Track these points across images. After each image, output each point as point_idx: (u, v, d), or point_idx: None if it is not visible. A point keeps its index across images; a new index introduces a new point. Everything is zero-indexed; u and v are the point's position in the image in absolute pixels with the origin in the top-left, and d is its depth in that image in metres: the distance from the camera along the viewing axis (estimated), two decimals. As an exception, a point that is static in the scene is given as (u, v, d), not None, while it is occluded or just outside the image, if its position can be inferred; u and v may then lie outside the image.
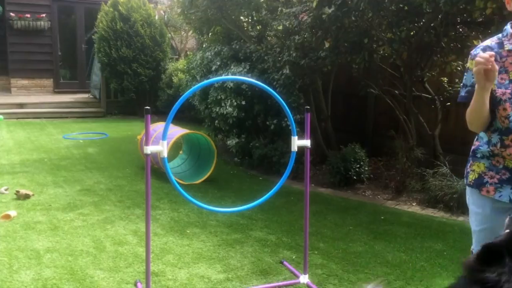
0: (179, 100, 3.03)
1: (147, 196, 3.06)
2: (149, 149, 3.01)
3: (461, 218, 5.14)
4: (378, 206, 5.71)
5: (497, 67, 2.13)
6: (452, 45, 5.78)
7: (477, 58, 2.10)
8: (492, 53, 2.12)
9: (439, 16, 5.23)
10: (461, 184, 5.40)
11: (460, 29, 5.91)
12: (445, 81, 6.44)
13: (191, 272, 3.62)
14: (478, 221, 2.37)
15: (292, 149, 3.46)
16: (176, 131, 6.31)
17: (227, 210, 3.85)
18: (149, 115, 3.02)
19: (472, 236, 2.44)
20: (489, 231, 2.31)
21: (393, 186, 6.28)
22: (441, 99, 6.39)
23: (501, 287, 1.55)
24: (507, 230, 1.89)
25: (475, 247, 2.42)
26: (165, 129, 3.07)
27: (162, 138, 3.04)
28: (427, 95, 6.49)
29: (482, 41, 2.49)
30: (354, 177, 6.42)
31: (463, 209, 5.26)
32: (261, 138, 7.21)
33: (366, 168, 6.54)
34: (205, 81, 3.52)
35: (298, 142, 3.45)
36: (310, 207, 5.43)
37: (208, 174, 6.35)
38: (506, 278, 1.56)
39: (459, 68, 5.97)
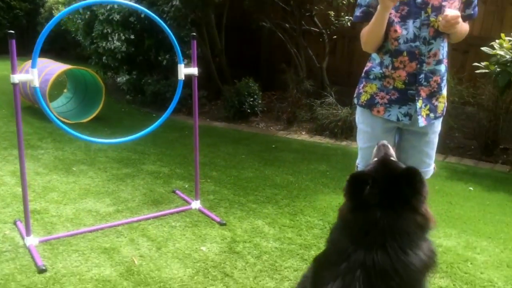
0: (51, 21, 2.73)
1: (18, 129, 2.81)
2: (17, 77, 2.72)
3: (344, 143, 5.52)
4: (270, 136, 5.91)
5: None
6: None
7: None
8: None
9: None
10: (345, 112, 5.76)
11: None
12: (332, 14, 6.63)
13: (77, 208, 3.48)
14: (366, 139, 2.51)
15: (179, 78, 3.37)
16: (58, 67, 5.84)
17: (111, 141, 3.67)
18: (13, 40, 2.71)
19: (359, 153, 2.59)
20: (373, 148, 2.49)
21: (285, 117, 6.51)
22: (328, 32, 6.60)
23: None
24: (375, 159, 1.97)
25: (360, 163, 2.59)
26: (34, 55, 2.78)
27: (31, 66, 2.77)
28: (315, 29, 6.66)
29: None
30: (248, 111, 6.53)
31: (346, 134, 5.66)
32: (153, 74, 6.96)
33: (260, 102, 6.67)
34: (85, 1, 3.18)
35: (185, 70, 3.37)
36: (205, 140, 5.48)
37: (97, 112, 6.03)
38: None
39: (345, 2, 6.16)
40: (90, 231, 3.11)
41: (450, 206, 3.81)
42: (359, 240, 1.62)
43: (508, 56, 4.38)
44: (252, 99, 6.52)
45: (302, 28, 6.60)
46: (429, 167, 2.56)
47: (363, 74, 2.55)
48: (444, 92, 2.48)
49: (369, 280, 1.54)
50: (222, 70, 7.47)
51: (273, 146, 5.39)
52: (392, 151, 1.99)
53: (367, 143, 2.49)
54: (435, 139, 2.53)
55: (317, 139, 5.79)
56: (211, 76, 7.37)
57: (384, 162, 1.86)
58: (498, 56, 4.48)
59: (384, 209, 1.62)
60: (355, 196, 1.66)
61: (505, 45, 4.44)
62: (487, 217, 3.62)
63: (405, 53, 2.31)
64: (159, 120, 3.37)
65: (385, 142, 2.05)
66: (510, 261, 2.92)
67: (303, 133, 6.10)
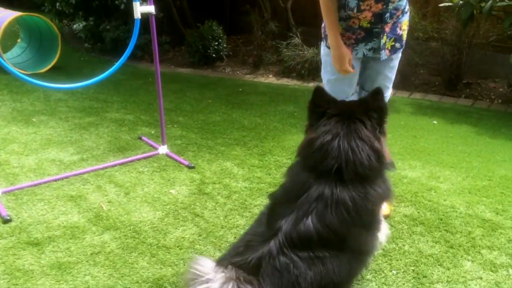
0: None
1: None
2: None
3: (311, 84, 5.48)
4: (237, 80, 5.81)
5: None
6: None
7: None
8: None
9: None
10: (311, 52, 5.68)
11: None
12: (296, -49, 6.39)
13: (40, 158, 3.38)
14: (334, 71, 2.48)
15: (135, 16, 3.19)
16: (8, 14, 5.47)
17: (69, 86, 3.51)
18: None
19: (326, 86, 2.57)
20: (341, 80, 2.49)
21: (251, 61, 6.39)
22: (292, -31, 6.39)
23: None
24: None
25: None
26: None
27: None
28: (278, -33, 6.42)
29: None
30: (214, 55, 6.37)
31: (313, 75, 5.62)
32: (112, 20, 6.64)
33: (225, 46, 6.49)
34: None
35: (140, 9, 3.19)
36: (170, 86, 5.34)
37: (54, 61, 5.74)
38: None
39: None
40: (55, 180, 3.03)
41: (415, 139, 3.89)
42: (318, 171, 1.65)
43: (471, -12, 4.36)
44: (216, 43, 6.34)
45: (265, -34, 6.36)
46: (388, 91, 2.62)
47: None
48: (406, 18, 2.49)
49: (324, 210, 1.59)
50: (184, 14, 7.19)
51: (240, 89, 5.32)
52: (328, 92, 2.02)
53: (335, 75, 2.49)
54: (397, 64, 2.59)
55: (284, 81, 5.74)
56: (173, 20, 7.10)
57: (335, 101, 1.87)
58: (462, -11, 4.46)
59: (343, 137, 1.65)
60: (318, 106, 1.73)
61: (468, -23, 4.40)
62: (450, 148, 3.72)
63: None
64: (118, 62, 3.22)
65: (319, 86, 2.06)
66: (472, 187, 3.03)
67: (270, 75, 6.02)
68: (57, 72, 5.67)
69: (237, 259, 1.55)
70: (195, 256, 2.05)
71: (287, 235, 1.55)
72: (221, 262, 1.56)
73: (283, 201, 1.70)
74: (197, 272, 1.48)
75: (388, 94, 2.62)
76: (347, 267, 1.60)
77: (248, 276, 1.48)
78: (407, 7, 2.48)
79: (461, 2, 4.51)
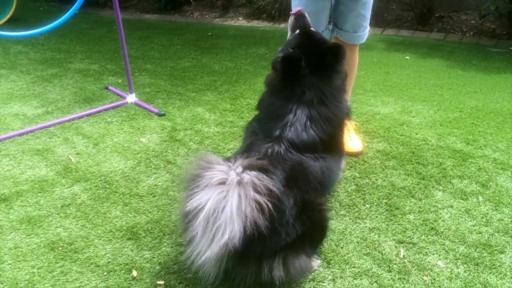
0: None
1: None
2: None
3: (282, 25, 5.34)
4: (206, 24, 5.61)
5: None
6: None
7: None
8: None
9: None
10: (281, -9, 5.49)
11: None
12: None
13: (2, 113, 3.23)
14: (309, 3, 2.38)
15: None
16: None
17: (22, 34, 3.26)
18: None
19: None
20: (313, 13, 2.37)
21: (220, 4, 6.16)
22: None
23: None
24: (296, 31, 2.08)
25: None
26: None
27: None
28: None
29: None
30: (180, -1, 6.11)
31: (284, 16, 5.45)
32: (69, -35, 6.24)
33: (191, -12, 6.23)
34: None
35: None
36: (136, 33, 5.12)
37: (11, 13, 5.41)
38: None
39: None
40: (19, 135, 2.92)
41: (388, 75, 3.86)
42: (298, 99, 1.84)
43: None
44: (182, -14, 6.06)
45: None
46: (365, 30, 2.53)
47: None
48: None
49: (317, 123, 1.82)
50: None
51: (209, 34, 5.14)
52: (309, 20, 2.12)
53: (310, 7, 2.36)
54: (371, 0, 2.46)
55: (255, 23, 5.57)
56: (135, -37, 6.72)
57: (307, 35, 2.02)
58: None
59: (314, 75, 1.87)
60: (288, 72, 1.85)
61: None
62: (422, 82, 3.70)
63: None
64: (75, 5, 2.98)
65: (302, 10, 2.15)
66: (443, 120, 3.05)
67: (240, 18, 5.83)
68: (15, 24, 5.35)
69: (243, 156, 1.61)
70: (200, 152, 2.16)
71: (290, 141, 1.76)
72: (228, 158, 1.64)
73: (268, 121, 1.88)
74: (206, 163, 1.52)
75: (364, 32, 2.53)
76: (337, 166, 1.93)
77: (260, 162, 1.59)
78: None
79: None
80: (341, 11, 2.48)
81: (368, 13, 2.49)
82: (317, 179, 1.75)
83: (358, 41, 2.57)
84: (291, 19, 2.17)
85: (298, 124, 1.80)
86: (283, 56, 1.85)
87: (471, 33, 5.02)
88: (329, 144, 1.84)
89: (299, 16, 2.12)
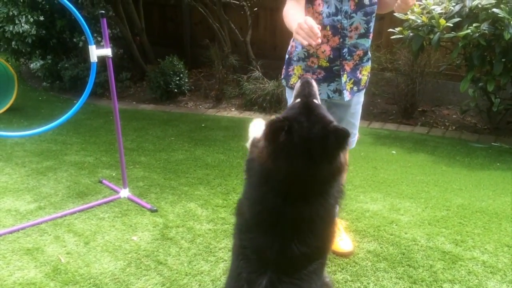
0: None
1: None
2: None
3: (273, 117, 5.54)
4: (200, 115, 5.82)
5: None
6: None
7: None
8: None
9: None
10: (272, 85, 5.77)
11: None
12: (252, -14, 6.55)
13: (-6, 208, 3.25)
14: None
15: (92, 60, 3.17)
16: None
17: (24, 134, 3.39)
18: None
19: None
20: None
21: (213, 95, 6.43)
22: (249, 4, 6.52)
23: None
24: (298, 99, 1.77)
25: None
26: None
27: None
28: (235, 1, 6.53)
29: None
30: (175, 90, 6.37)
31: (275, 108, 5.69)
32: (70, 57, 6.57)
33: (187, 80, 6.52)
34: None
35: (97, 52, 3.17)
36: (132, 124, 5.28)
37: (10, 103, 5.60)
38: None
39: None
40: (10, 232, 2.91)
41: (375, 171, 3.97)
42: (285, 194, 1.61)
43: (419, 21, 4.56)
44: (178, 78, 6.35)
45: (222, 1, 6.46)
46: (354, 137, 2.66)
47: (287, 56, 2.54)
48: (369, 65, 2.55)
49: (304, 232, 1.63)
50: (144, 49, 7.21)
51: (203, 125, 5.32)
52: (316, 90, 1.83)
53: None
54: (359, 109, 2.64)
55: (247, 114, 5.79)
56: (133, 56, 7.10)
57: (308, 108, 1.66)
58: (410, 21, 4.66)
59: (307, 160, 1.57)
60: (274, 141, 1.55)
61: (416, 9, 4.60)
62: (409, 178, 3.81)
63: (328, 27, 2.32)
64: (74, 107, 3.17)
65: (309, 78, 1.87)
66: (431, 219, 3.11)
67: (233, 109, 6.06)
68: (14, 114, 5.53)
69: None
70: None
71: (277, 267, 1.60)
72: None
73: (256, 230, 1.69)
74: None
75: (354, 139, 2.66)
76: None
77: None
78: (369, 54, 2.52)
79: (411, 34, 4.72)
80: None
81: (357, 121, 2.65)
82: None
83: (349, 147, 2.69)
84: (297, 84, 1.89)
85: (290, 232, 1.63)
86: (269, 121, 1.56)
87: (454, 127, 5.25)
88: (326, 246, 1.74)
89: (306, 83, 1.82)
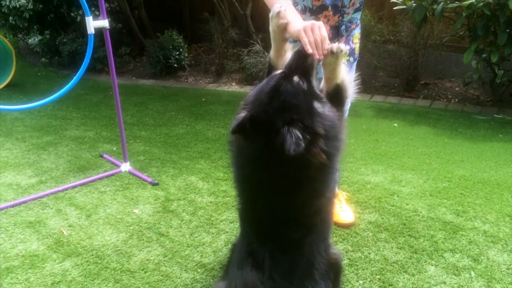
0: None
1: None
2: None
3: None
4: (200, 90, 5.77)
5: None
6: None
7: None
8: None
9: None
10: (273, 59, 5.69)
11: None
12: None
13: (-5, 183, 3.25)
14: None
15: (89, 32, 3.11)
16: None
17: (22, 107, 3.36)
18: None
19: None
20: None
21: (213, 69, 6.37)
22: (250, -24, 6.40)
23: None
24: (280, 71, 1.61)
25: None
26: None
27: None
28: (234, -26, 6.40)
29: None
30: (175, 65, 6.31)
31: (276, 82, 5.62)
32: (68, 32, 6.49)
33: (186, 55, 6.44)
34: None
35: (94, 23, 3.11)
36: (132, 99, 5.25)
37: (9, 78, 5.56)
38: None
39: None
40: (12, 206, 2.92)
41: (377, 143, 3.95)
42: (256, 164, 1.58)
43: (423, -9, 4.48)
44: (177, 52, 6.28)
45: (222, -27, 6.34)
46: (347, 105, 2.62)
47: None
48: (358, 32, 2.53)
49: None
50: (143, 24, 7.10)
51: (203, 99, 5.28)
52: (311, 62, 1.61)
53: None
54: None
55: (247, 88, 5.73)
56: (132, 31, 7.01)
57: (276, 92, 1.50)
58: (414, -8, 4.57)
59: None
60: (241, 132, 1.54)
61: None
62: (410, 150, 3.80)
63: (330, 8, 2.28)
64: (74, 78, 3.13)
65: (303, 49, 1.62)
66: (432, 190, 3.10)
67: (233, 84, 6.01)
68: (13, 89, 5.50)
69: None
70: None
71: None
72: None
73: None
74: None
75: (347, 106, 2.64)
76: None
77: None
78: (359, 22, 2.51)
79: (414, 5, 4.63)
80: None
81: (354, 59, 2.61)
82: None
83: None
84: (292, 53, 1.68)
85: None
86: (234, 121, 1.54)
87: (456, 100, 5.20)
88: None
89: (299, 53, 1.61)
